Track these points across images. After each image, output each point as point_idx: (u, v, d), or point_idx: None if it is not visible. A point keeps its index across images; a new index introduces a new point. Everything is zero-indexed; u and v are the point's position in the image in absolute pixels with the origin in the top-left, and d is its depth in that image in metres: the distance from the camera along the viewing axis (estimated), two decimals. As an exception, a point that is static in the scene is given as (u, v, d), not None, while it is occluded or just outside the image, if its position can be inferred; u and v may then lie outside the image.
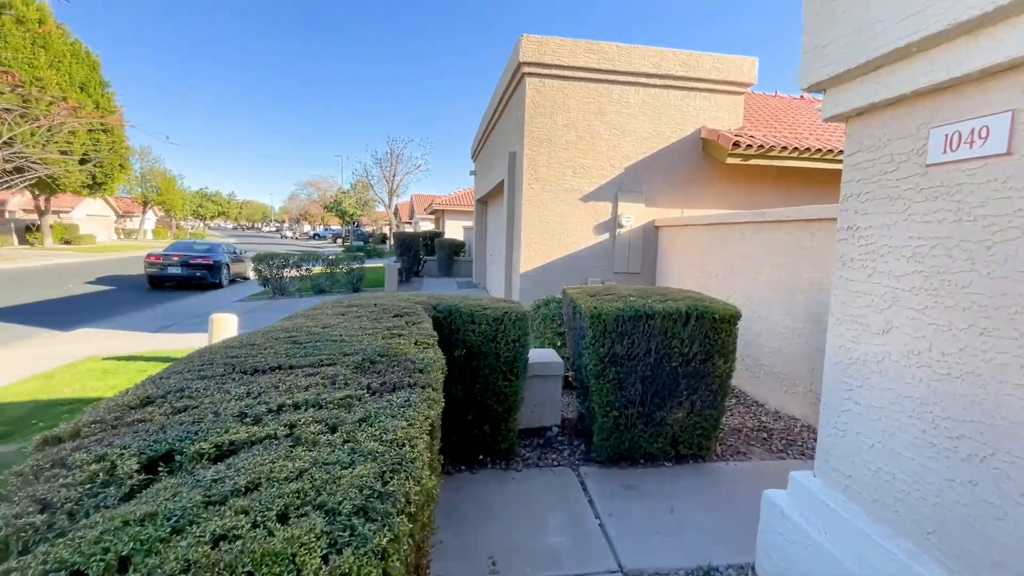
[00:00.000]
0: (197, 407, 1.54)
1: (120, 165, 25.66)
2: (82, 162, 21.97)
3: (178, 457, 1.23)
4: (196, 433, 1.33)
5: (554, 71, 7.51)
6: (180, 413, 1.51)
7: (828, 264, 4.17)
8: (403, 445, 1.27)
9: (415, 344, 2.44)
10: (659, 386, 3.41)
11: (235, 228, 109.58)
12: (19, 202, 35.83)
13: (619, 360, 3.36)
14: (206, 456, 1.23)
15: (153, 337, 8.86)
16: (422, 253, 19.55)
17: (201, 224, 67.88)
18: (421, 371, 1.98)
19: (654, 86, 7.67)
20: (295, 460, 1.17)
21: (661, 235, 7.74)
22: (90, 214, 41.40)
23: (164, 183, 47.77)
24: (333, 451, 1.22)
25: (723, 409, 3.57)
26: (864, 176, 1.93)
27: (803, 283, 4.52)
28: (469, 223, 22.94)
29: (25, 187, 23.65)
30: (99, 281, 17.91)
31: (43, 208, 31.11)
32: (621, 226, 7.80)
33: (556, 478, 3.40)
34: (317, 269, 15.01)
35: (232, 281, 18.25)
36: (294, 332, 2.62)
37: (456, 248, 19.47)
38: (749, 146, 7.14)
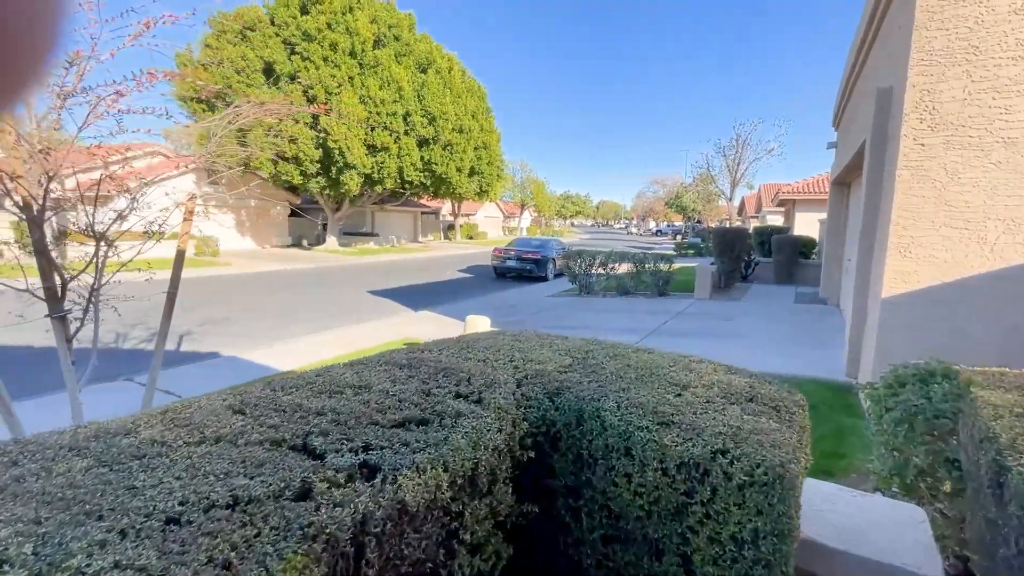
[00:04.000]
0: None
1: (497, 176, 31.75)
2: (471, 174, 28.15)
3: None
4: None
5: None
6: None
7: None
8: None
9: None
10: None
11: (592, 225, 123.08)
12: (448, 208, 49.09)
13: None
14: None
15: (455, 325, 9.71)
16: (752, 253, 16.01)
17: (563, 222, 78.92)
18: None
19: None
20: None
21: None
22: (487, 216, 53.50)
23: (536, 188, 57.31)
24: None
25: None
26: None
27: None
28: (824, 215, 17.57)
29: (447, 197, 32.18)
30: (467, 270, 22.15)
31: (456, 212, 41.97)
32: None
33: None
34: (624, 268, 14.09)
35: (558, 275, 19.49)
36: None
37: (802, 247, 15.09)
38: None
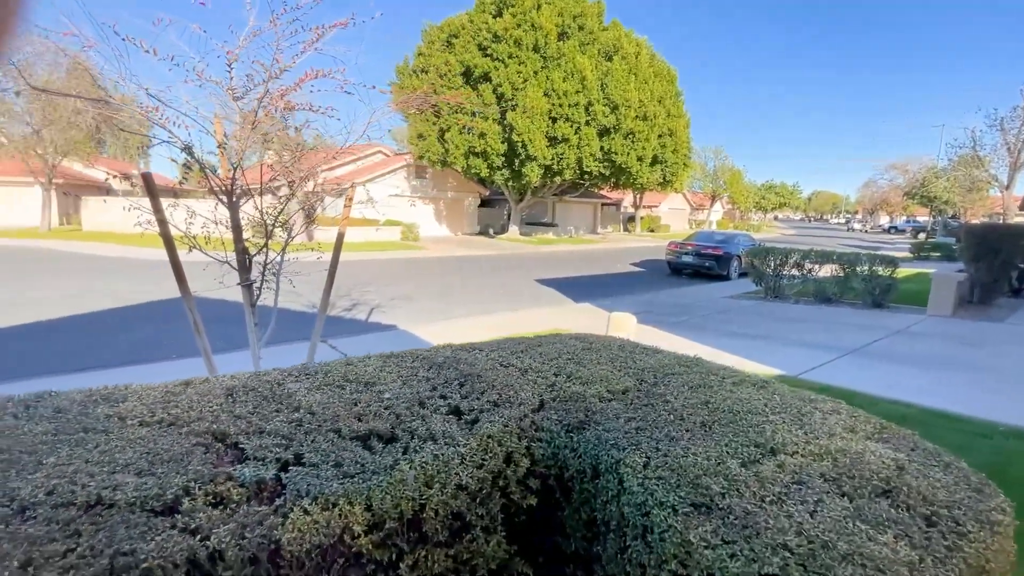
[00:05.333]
0: None
1: (683, 164, 29.33)
2: (653, 163, 26.53)
3: None
4: None
5: None
6: None
7: None
8: None
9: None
10: None
11: (801, 220, 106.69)
12: (630, 200, 47.71)
13: None
14: None
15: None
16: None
17: (764, 216, 69.62)
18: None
19: None
20: None
21: None
22: (671, 208, 50.30)
23: (731, 178, 51.62)
24: None
25: None
26: None
27: None
28: None
29: (627, 187, 31.24)
30: (640, 264, 21.07)
31: (637, 203, 40.42)
32: None
33: None
34: (826, 270, 11.62)
35: (743, 275, 17.19)
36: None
37: None
38: None
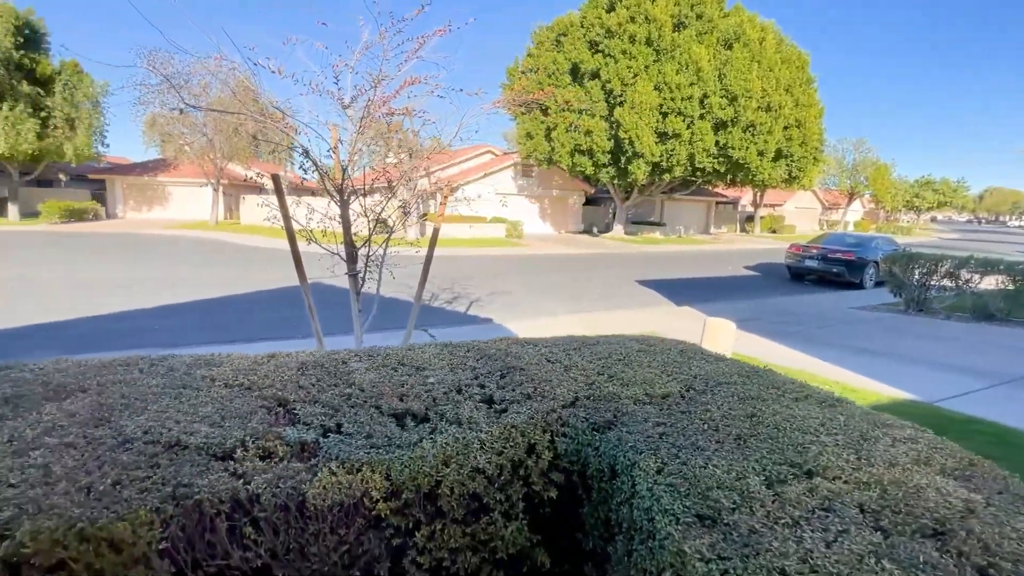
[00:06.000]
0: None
1: (813, 159, 26.30)
2: (776, 158, 24.16)
3: None
4: None
5: None
6: None
7: None
8: None
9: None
10: None
11: (968, 221, 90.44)
12: (749, 198, 44.16)
13: None
14: None
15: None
16: None
17: (916, 217, 59.97)
18: None
19: None
20: None
21: None
22: (798, 207, 45.49)
23: (874, 173, 45.22)
24: None
25: None
26: None
27: None
28: None
29: (745, 184, 28.95)
30: (755, 267, 19.45)
31: (758, 202, 37.23)
32: None
33: None
34: (989, 281, 9.80)
35: (880, 284, 15.07)
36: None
37: None
38: None
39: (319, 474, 1.18)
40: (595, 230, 33.47)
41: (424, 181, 6.04)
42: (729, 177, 26.56)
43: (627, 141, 22.82)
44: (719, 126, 23.09)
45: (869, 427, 1.49)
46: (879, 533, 1.01)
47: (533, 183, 31.25)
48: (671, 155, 23.41)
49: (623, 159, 23.89)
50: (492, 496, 1.38)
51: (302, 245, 5.19)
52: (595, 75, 23.73)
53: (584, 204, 34.29)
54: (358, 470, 1.22)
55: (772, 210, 42.79)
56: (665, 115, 22.92)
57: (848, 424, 1.49)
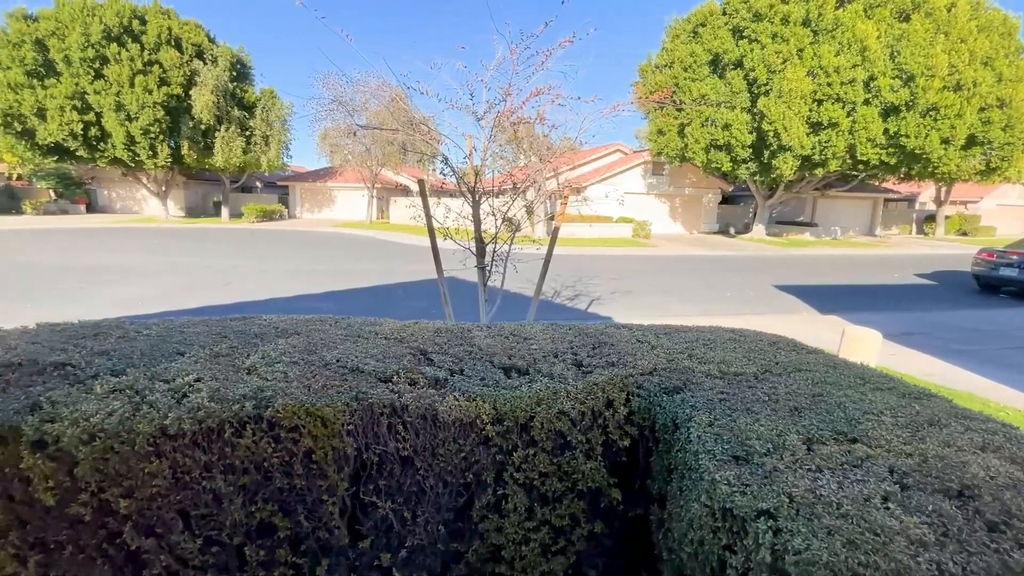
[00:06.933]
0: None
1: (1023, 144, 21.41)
2: (967, 146, 20.17)
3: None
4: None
5: None
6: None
7: None
8: None
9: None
10: None
11: None
12: (930, 194, 37.51)
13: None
14: None
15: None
16: None
17: None
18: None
19: None
20: None
21: None
22: (1002, 204, 37.28)
23: None
24: None
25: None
26: None
27: None
28: None
29: (923, 178, 24.74)
30: (931, 275, 16.69)
31: (942, 198, 31.42)
32: None
33: None
34: None
35: (1114, 300, 11.93)
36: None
37: None
38: None
39: (447, 399, 1.65)
40: (732, 231, 31.25)
41: (552, 182, 6.49)
42: (902, 170, 22.94)
43: (771, 133, 21.00)
44: (888, 111, 20.11)
45: (946, 417, 1.53)
46: (898, 487, 1.15)
47: (664, 181, 30.20)
48: (825, 147, 21.00)
49: (766, 153, 22.04)
50: (575, 436, 1.73)
51: (439, 241, 5.96)
52: (737, 64, 22.21)
53: (720, 203, 32.18)
54: (473, 399, 1.66)
55: (963, 208, 35.86)
56: (820, 102, 20.62)
57: (922, 412, 1.55)
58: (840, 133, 20.54)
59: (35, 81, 25.63)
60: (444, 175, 5.61)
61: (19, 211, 31.95)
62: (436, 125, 6.07)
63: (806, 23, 20.56)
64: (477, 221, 5.84)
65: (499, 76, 5.30)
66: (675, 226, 31.63)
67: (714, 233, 31.04)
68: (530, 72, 5.30)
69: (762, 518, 1.09)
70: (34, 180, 33.94)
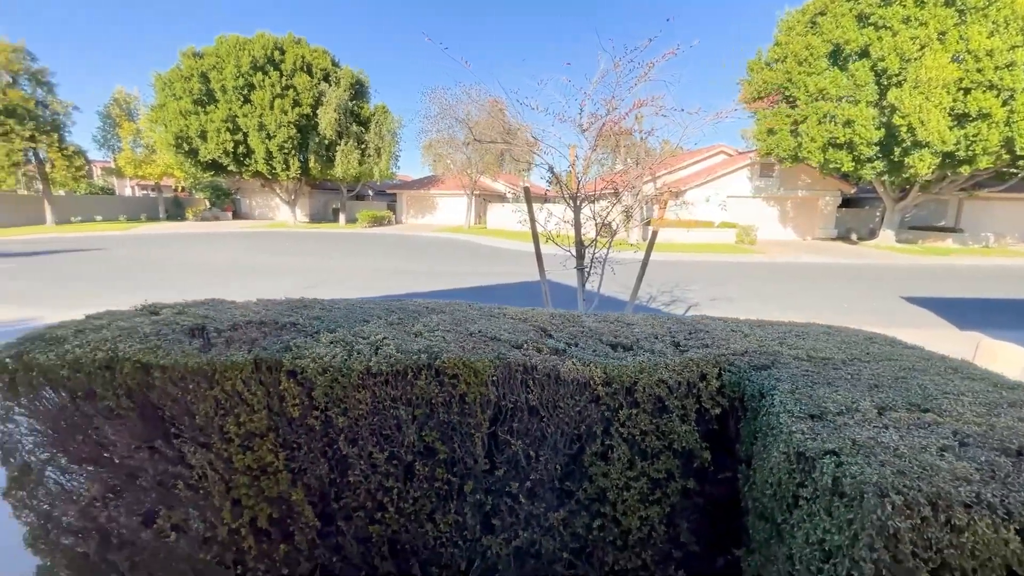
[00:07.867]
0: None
1: None
2: None
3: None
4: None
5: None
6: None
7: None
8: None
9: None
10: None
11: None
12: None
13: None
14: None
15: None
16: None
17: None
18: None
19: None
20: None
21: None
22: None
23: None
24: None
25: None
26: None
27: None
28: None
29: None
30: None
31: None
32: None
33: None
34: None
35: None
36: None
37: None
38: None
39: (566, 363, 2.08)
40: (854, 236, 28.48)
41: (649, 186, 6.72)
42: (1076, 166, 19.54)
43: (904, 128, 18.98)
44: (1058, 98, 17.28)
45: (1031, 402, 1.65)
46: (957, 443, 1.36)
47: (773, 183, 28.33)
48: (973, 141, 18.54)
49: (897, 151, 19.93)
50: (671, 401, 2.07)
51: (541, 245, 6.44)
52: (863, 54, 20.37)
53: (840, 206, 29.45)
54: (588, 365, 2.07)
55: None
56: (967, 91, 18.26)
57: (1007, 397, 1.67)
58: (993, 125, 18.03)
59: (199, 108, 30.51)
60: (549, 182, 6.07)
61: (183, 217, 38.17)
62: (540, 135, 6.57)
63: (950, 2, 18.34)
64: (577, 225, 6.24)
65: (602, 89, 5.67)
66: (786, 231, 29.49)
67: (833, 239, 28.46)
68: (632, 83, 5.59)
69: (828, 456, 1.37)
70: (193, 192, 40.36)
